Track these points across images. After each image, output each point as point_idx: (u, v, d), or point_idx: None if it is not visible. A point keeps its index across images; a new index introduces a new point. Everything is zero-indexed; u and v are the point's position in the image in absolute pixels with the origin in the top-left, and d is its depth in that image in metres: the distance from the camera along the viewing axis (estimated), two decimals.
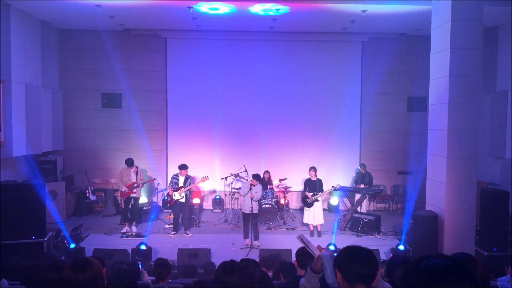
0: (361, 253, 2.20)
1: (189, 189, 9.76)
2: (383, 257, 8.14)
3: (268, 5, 9.45)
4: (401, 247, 8.12)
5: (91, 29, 11.74)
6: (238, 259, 3.10)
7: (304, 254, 4.27)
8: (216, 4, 9.37)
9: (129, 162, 9.97)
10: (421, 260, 1.52)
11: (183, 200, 9.68)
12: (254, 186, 8.94)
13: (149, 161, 12.01)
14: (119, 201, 11.28)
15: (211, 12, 9.86)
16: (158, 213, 11.23)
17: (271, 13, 9.85)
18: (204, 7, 9.57)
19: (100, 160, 12.20)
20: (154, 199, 11.79)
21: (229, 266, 2.64)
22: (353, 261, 2.16)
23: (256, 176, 9.06)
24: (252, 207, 8.88)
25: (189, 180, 9.78)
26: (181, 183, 9.71)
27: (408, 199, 11.58)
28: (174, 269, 6.30)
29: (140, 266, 5.79)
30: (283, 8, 9.56)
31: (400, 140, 12.36)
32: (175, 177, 9.81)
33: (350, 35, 12.00)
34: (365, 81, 12.36)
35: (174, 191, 9.67)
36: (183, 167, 9.77)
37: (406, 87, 12.26)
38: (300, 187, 11.21)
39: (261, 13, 9.90)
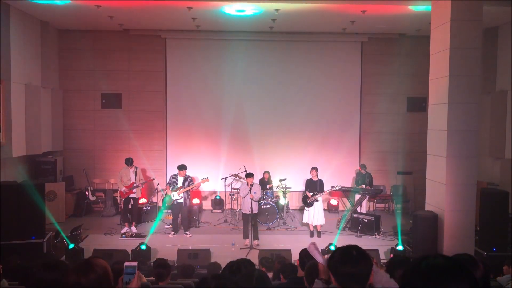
0: (352, 253, 2.13)
1: (188, 190, 9.75)
2: (382, 257, 8.14)
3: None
4: (400, 247, 8.12)
5: (90, 29, 11.75)
6: None
7: (308, 255, 4.27)
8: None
9: (129, 162, 9.97)
10: (420, 261, 1.51)
11: (181, 200, 9.67)
12: (252, 185, 8.95)
13: (148, 161, 12.00)
14: (119, 202, 11.27)
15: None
16: (158, 213, 11.19)
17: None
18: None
19: (100, 161, 12.19)
20: (154, 199, 11.78)
21: (236, 265, 2.66)
22: (344, 261, 2.10)
23: (249, 174, 9.13)
24: (251, 208, 8.89)
25: (188, 180, 9.77)
26: (180, 184, 9.71)
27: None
28: (173, 270, 6.30)
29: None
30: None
31: (400, 140, 12.35)
32: (174, 177, 9.81)
33: (350, 35, 12.00)
34: (364, 81, 12.36)
35: (173, 191, 9.66)
36: (182, 167, 9.76)
37: (406, 87, 12.25)
38: (300, 187, 11.21)
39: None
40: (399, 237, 8.61)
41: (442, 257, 1.50)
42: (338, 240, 8.74)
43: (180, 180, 9.73)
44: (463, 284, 1.41)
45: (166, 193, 9.84)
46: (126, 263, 2.36)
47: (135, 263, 2.33)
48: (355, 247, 2.17)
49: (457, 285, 1.41)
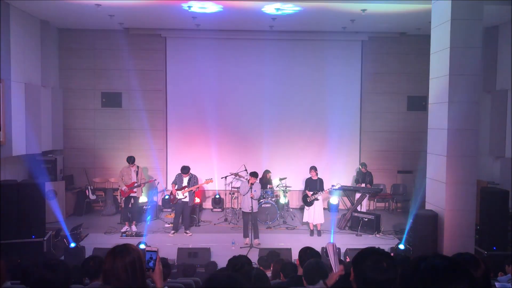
0: (383, 263, 2.06)
1: (193, 189, 9.76)
2: None
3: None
4: (401, 247, 8.12)
5: (90, 28, 11.74)
6: None
7: (307, 254, 4.27)
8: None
9: (131, 160, 9.98)
10: (419, 261, 1.51)
11: (186, 199, 9.68)
12: (253, 184, 8.94)
13: (149, 160, 12.00)
14: (119, 200, 11.28)
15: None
16: (156, 212, 11.16)
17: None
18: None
19: (100, 160, 12.19)
20: (154, 198, 11.77)
21: (240, 264, 2.69)
22: (374, 269, 2.04)
23: (253, 174, 9.10)
24: (252, 206, 8.89)
25: (193, 179, 9.78)
26: (185, 183, 9.71)
27: (411, 199, 11.57)
28: (173, 268, 6.31)
29: None
30: (287, 7, 9.50)
31: (400, 139, 12.36)
32: (179, 176, 9.82)
33: (350, 34, 11.98)
34: (365, 80, 12.35)
35: (177, 190, 9.67)
36: (185, 170, 9.74)
37: (406, 86, 12.26)
38: (300, 187, 11.21)
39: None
40: (404, 235, 8.56)
41: (441, 257, 1.50)
42: (339, 239, 8.75)
43: (185, 179, 9.75)
44: (462, 284, 1.41)
45: (171, 192, 9.84)
46: (147, 249, 2.50)
47: (156, 248, 2.50)
48: (385, 258, 2.10)
49: (456, 286, 1.41)
